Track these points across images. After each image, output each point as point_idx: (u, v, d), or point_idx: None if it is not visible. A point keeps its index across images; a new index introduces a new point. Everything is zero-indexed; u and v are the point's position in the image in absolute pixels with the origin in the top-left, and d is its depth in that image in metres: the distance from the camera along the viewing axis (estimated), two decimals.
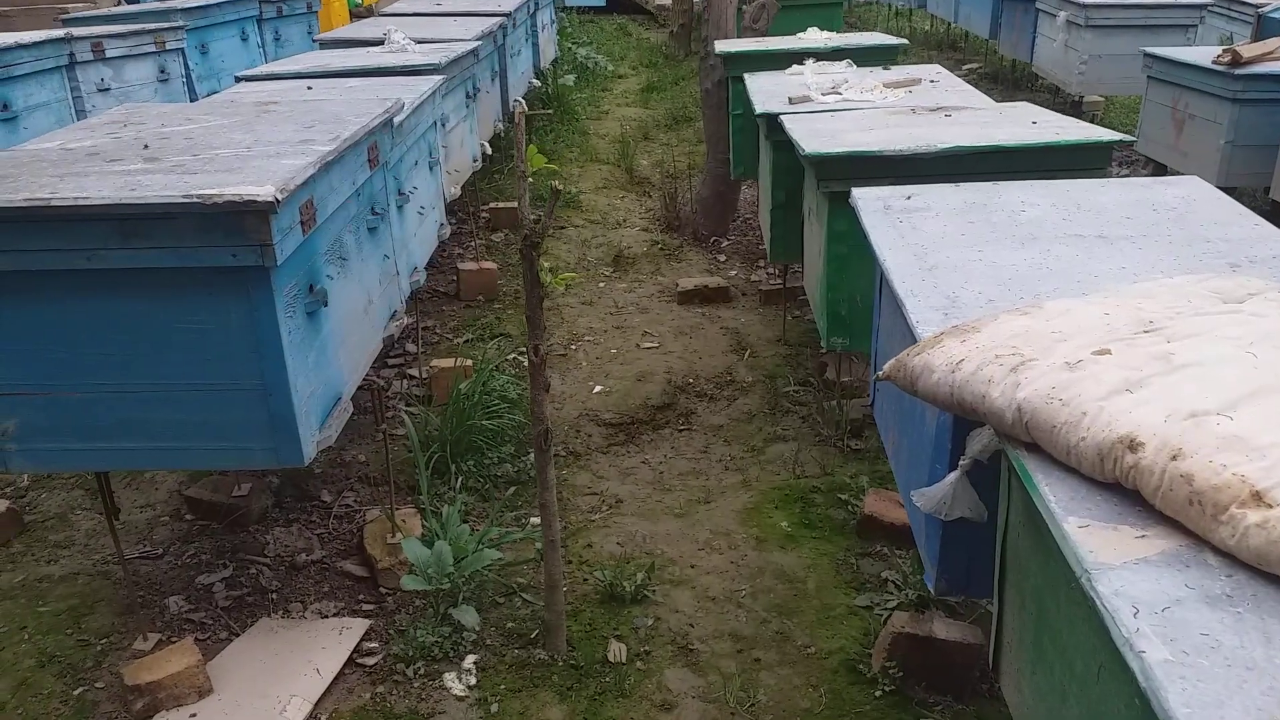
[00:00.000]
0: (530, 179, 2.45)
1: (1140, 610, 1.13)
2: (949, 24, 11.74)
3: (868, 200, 2.78)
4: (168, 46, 6.45)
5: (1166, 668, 1.05)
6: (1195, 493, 1.22)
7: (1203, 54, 5.92)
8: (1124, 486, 1.35)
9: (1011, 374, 1.51)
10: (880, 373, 1.83)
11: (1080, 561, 1.24)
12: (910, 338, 2.16)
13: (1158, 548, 1.25)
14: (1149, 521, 1.30)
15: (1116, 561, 1.23)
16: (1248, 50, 5.57)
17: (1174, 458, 1.26)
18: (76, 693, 2.73)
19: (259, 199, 2.23)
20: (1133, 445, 1.31)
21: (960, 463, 1.80)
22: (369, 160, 3.12)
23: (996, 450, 1.75)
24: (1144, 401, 1.37)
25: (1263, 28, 7.00)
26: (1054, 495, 1.38)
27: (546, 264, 2.47)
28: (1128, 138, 3.28)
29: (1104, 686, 1.37)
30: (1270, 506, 1.17)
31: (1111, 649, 1.30)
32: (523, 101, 7.29)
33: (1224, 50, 5.66)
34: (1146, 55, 6.28)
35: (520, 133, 2.41)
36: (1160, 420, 1.33)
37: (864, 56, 5.17)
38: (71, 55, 5.51)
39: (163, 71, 6.41)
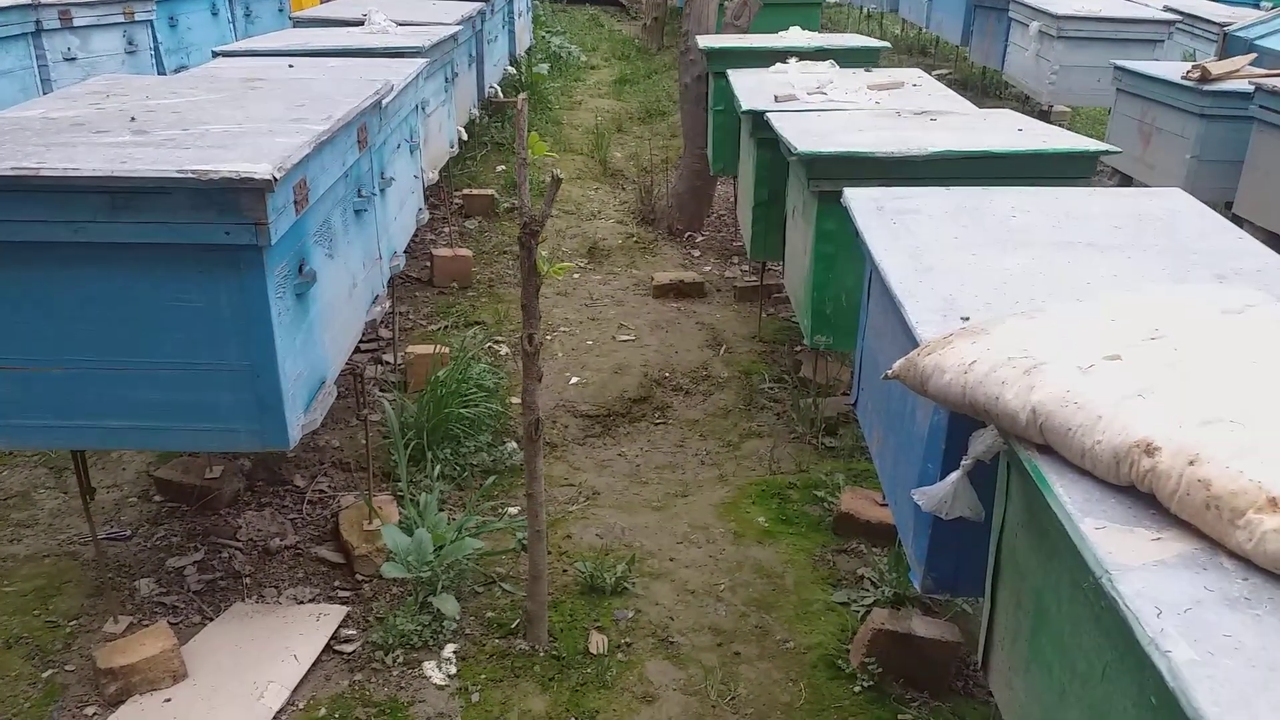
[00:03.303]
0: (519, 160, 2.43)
1: (1163, 611, 1.16)
2: (920, 29, 11.86)
3: (861, 201, 2.80)
4: (136, 18, 6.30)
5: (1193, 667, 1.07)
6: (1213, 497, 1.25)
7: (1172, 69, 6.05)
8: (1137, 490, 1.37)
9: (1025, 376, 1.54)
10: (890, 371, 1.85)
11: (1100, 562, 1.26)
12: (905, 338, 2.18)
13: (1174, 550, 1.27)
14: (1163, 524, 1.32)
15: (1135, 563, 1.25)
16: (1216, 67, 5.69)
17: (1191, 462, 1.29)
18: (45, 675, 2.66)
19: (256, 176, 2.19)
20: (1149, 449, 1.33)
21: (962, 463, 1.82)
22: (359, 141, 3.08)
23: (998, 451, 1.78)
24: (1158, 407, 1.40)
25: (1228, 45, 7.15)
26: (1069, 497, 1.40)
27: (544, 252, 2.45)
28: (1113, 148, 3.34)
29: (1109, 686, 1.40)
30: None
31: (1120, 648, 1.32)
32: (499, 89, 7.24)
33: (1193, 66, 5.78)
34: (1117, 68, 6.40)
35: (521, 119, 2.39)
36: (1175, 425, 1.35)
37: (846, 57, 5.20)
38: (38, 22, 5.37)
39: (130, 43, 6.26)
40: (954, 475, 1.82)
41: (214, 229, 2.26)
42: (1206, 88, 5.58)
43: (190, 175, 2.19)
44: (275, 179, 2.22)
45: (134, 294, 2.36)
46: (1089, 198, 2.84)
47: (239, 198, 2.23)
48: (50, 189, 2.22)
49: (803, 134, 3.49)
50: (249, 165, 2.22)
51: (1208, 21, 7.95)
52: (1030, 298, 2.18)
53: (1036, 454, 1.52)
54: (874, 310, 2.78)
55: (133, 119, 2.67)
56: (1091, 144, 3.28)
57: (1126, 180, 6.38)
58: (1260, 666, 1.07)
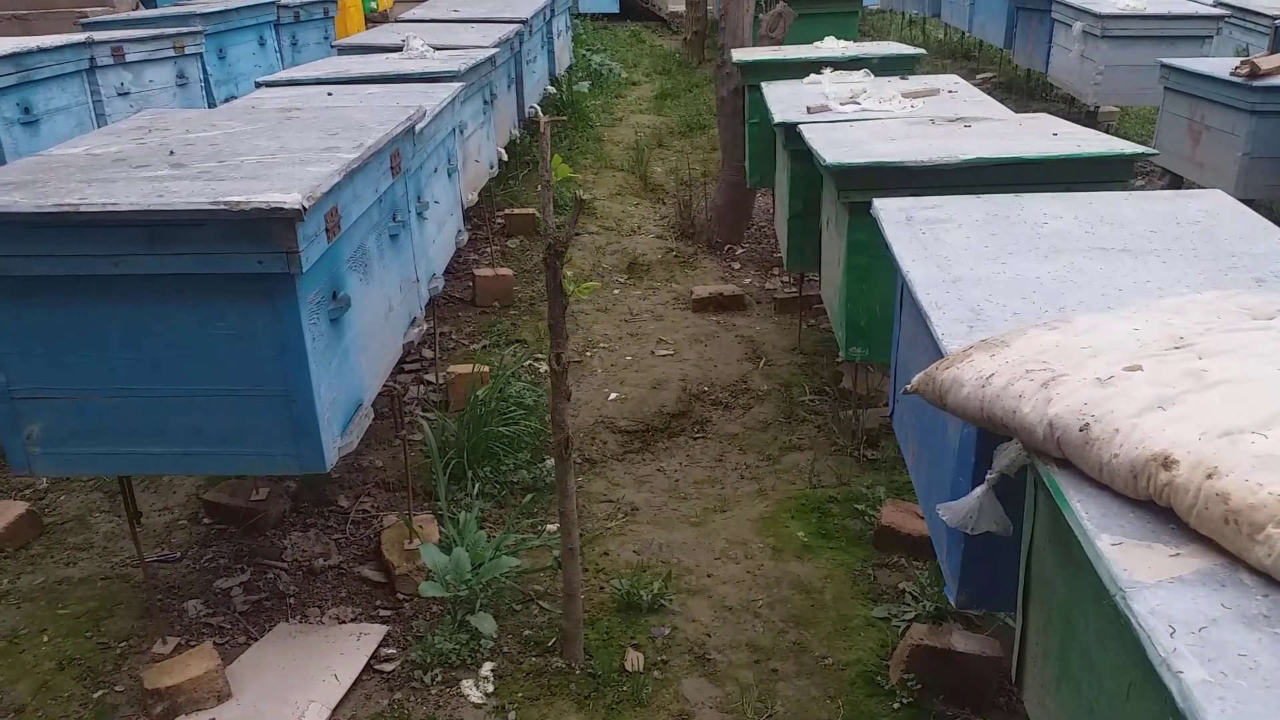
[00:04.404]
0: (546, 183, 2.46)
1: (1177, 630, 1.13)
2: (963, 33, 11.73)
3: (890, 211, 2.79)
4: (186, 51, 6.49)
5: (1205, 688, 1.05)
6: (1231, 511, 1.22)
7: (1220, 65, 5.91)
8: (1156, 504, 1.35)
9: (1043, 389, 1.51)
10: (908, 386, 1.83)
11: (1115, 580, 1.24)
12: (934, 350, 2.16)
13: (1192, 566, 1.24)
14: (1182, 539, 1.30)
15: (1151, 580, 1.23)
16: (1266, 62, 5.55)
17: (1209, 476, 1.26)
18: (96, 695, 2.74)
19: (286, 206, 2.25)
20: (1167, 463, 1.31)
21: (987, 477, 1.80)
22: (392, 168, 3.13)
23: (1023, 465, 1.75)
24: (1177, 419, 1.37)
25: (1279, 39, 6.97)
26: (1086, 512, 1.38)
27: (569, 272, 2.47)
28: (1150, 150, 3.27)
29: (1134, 705, 1.37)
30: None
31: (1143, 667, 1.29)
32: (539, 109, 7.31)
33: (1242, 62, 5.64)
34: (1163, 66, 6.27)
35: (545, 142, 2.42)
36: (1194, 438, 1.32)
37: (882, 66, 5.17)
38: (92, 59, 5.54)
39: (181, 76, 6.44)
40: (979, 489, 1.80)
41: (247, 259, 2.32)
42: (1256, 83, 5.44)
43: (223, 207, 2.25)
44: (305, 208, 2.27)
45: (173, 323, 2.43)
46: (1124, 202, 2.78)
47: (270, 227, 2.28)
48: (90, 224, 2.30)
49: (833, 145, 3.48)
50: (280, 195, 2.27)
51: (1260, 15, 7.75)
52: (1060, 306, 2.14)
53: (1055, 468, 1.49)
54: (906, 322, 2.75)
55: (171, 152, 2.75)
56: (1128, 147, 3.22)
57: (1177, 180, 6.24)
58: (1276, 687, 1.04)
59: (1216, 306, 1.78)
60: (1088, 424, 1.42)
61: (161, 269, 2.35)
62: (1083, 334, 1.68)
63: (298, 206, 2.25)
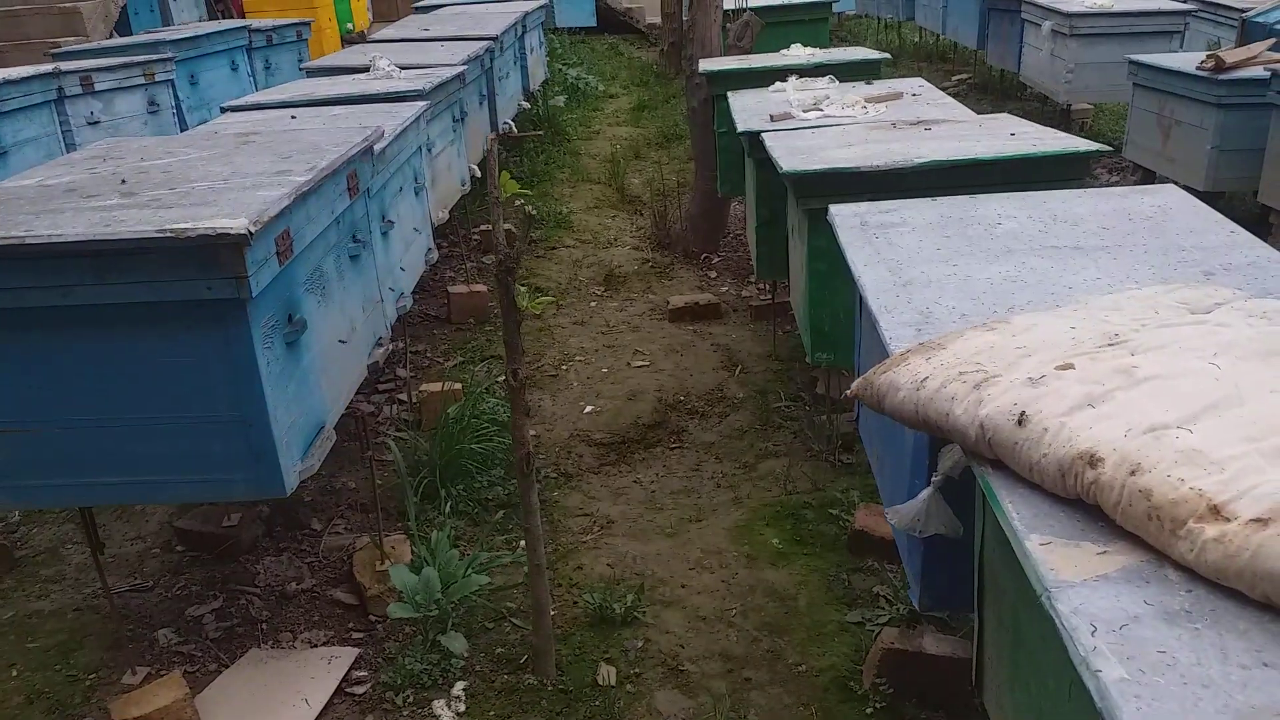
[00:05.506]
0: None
1: (1098, 628, 1.13)
2: (938, 35, 11.78)
3: (844, 217, 2.79)
4: (157, 78, 6.48)
5: (1122, 686, 1.04)
6: (1154, 507, 1.22)
7: (1187, 60, 5.95)
8: (1085, 502, 1.34)
9: (974, 391, 1.51)
10: (848, 391, 1.83)
11: (1041, 579, 1.24)
12: (885, 353, 2.16)
13: (1118, 564, 1.24)
14: (1110, 537, 1.29)
15: (1077, 579, 1.22)
16: (1231, 55, 5.59)
17: (1133, 473, 1.26)
18: None
19: (232, 231, 2.24)
20: (1093, 461, 1.31)
21: (933, 479, 1.80)
22: (349, 189, 3.13)
23: (966, 466, 1.75)
24: (1105, 416, 1.37)
25: (1247, 32, 7.01)
26: (1017, 512, 1.37)
27: (523, 288, 2.47)
28: (1105, 148, 3.28)
29: (1075, 704, 1.37)
30: (1228, 520, 1.16)
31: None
32: (513, 125, 7.32)
33: (1208, 56, 5.68)
34: (1131, 63, 6.31)
35: (493, 159, 2.42)
36: (1120, 435, 1.32)
37: (846, 72, 5.18)
38: (60, 89, 5.53)
39: (152, 103, 6.44)
40: (925, 492, 1.80)
41: (196, 285, 2.31)
42: (1222, 77, 5.48)
43: (169, 234, 2.24)
44: (251, 233, 2.26)
45: (126, 353, 2.42)
46: (1078, 199, 2.79)
47: (217, 253, 2.28)
48: (38, 255, 2.29)
49: (792, 152, 3.48)
50: (226, 220, 2.27)
51: (1228, 8, 7.80)
52: (1009, 307, 2.14)
53: (990, 469, 1.49)
54: (864, 326, 2.76)
55: (123, 181, 2.74)
56: (1084, 144, 3.22)
57: (1149, 176, 6.26)
58: (1192, 684, 1.04)
59: (1154, 302, 1.78)
60: (1017, 424, 1.41)
61: (111, 298, 2.34)
62: (1019, 334, 1.68)
63: (244, 231, 2.24)
